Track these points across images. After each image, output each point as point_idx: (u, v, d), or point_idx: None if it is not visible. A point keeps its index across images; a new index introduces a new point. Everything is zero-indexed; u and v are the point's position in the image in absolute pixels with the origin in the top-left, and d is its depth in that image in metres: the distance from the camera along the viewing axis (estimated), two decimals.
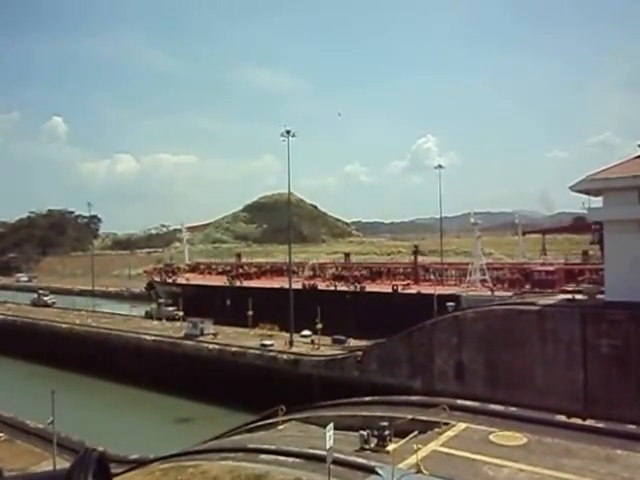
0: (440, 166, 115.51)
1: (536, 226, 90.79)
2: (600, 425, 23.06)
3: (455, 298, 59.10)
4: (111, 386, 53.85)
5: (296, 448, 23.49)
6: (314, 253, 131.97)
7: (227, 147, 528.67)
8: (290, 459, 22.46)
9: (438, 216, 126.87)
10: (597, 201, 48.53)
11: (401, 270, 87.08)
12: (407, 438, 20.09)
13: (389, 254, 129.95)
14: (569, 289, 60.06)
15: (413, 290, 70.57)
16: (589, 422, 23.50)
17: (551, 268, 68.22)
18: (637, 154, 50.62)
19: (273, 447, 24.26)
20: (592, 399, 44.39)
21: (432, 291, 66.53)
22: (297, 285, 65.47)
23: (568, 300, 50.74)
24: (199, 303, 72.79)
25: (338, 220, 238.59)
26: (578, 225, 67.82)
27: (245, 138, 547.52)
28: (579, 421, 23.45)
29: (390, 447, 20.84)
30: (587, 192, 49.08)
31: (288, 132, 61.67)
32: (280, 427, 30.13)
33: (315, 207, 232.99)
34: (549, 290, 59.61)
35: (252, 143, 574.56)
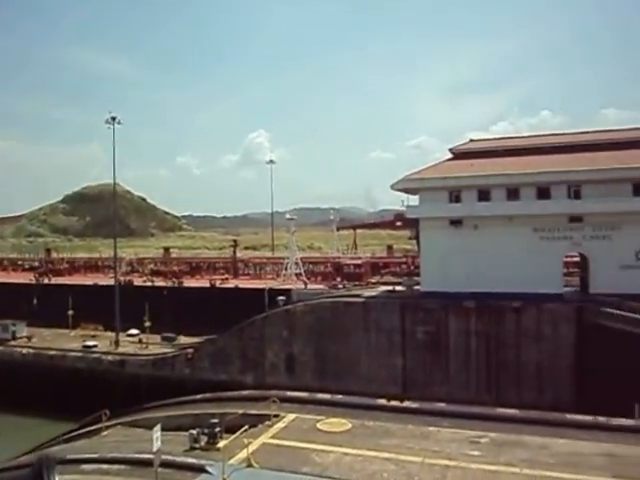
0: (272, 161, 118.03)
1: (358, 222, 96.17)
2: (416, 405, 25.03)
3: (278, 292, 60.34)
4: None
5: (121, 454, 22.29)
6: (142, 248, 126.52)
7: (50, 133, 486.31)
8: (115, 466, 21.25)
9: (270, 211, 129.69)
10: (415, 199, 52.91)
11: (221, 264, 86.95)
12: (238, 433, 20.07)
13: (220, 248, 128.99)
14: (374, 281, 65.32)
15: (231, 285, 71.00)
16: (407, 403, 25.39)
17: (359, 262, 73.29)
18: (448, 157, 56.15)
19: (95, 455, 22.75)
20: (410, 382, 48.43)
21: (249, 285, 68.27)
22: (112, 282, 62.27)
23: (389, 292, 54.77)
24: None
25: (168, 213, 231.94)
26: (383, 222, 73.41)
27: (70, 124, 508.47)
28: (398, 403, 25.23)
29: (221, 444, 20.68)
30: (406, 191, 53.27)
31: (114, 119, 58.30)
32: (104, 433, 28.38)
33: (144, 199, 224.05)
34: (356, 282, 64.33)
35: (78, 130, 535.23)
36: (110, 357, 50.59)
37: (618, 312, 39.45)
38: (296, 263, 69.89)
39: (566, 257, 51.21)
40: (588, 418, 22.66)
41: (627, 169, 45.06)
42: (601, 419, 22.31)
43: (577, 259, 54.00)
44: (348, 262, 73.08)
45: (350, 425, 21.88)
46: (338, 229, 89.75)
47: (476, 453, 18.79)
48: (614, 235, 45.24)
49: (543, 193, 47.11)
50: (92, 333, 58.81)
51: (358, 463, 18.29)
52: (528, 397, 42.14)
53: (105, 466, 21.50)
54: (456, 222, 49.17)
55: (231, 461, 18.73)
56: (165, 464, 18.64)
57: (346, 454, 19.08)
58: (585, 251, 47.08)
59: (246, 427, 20.86)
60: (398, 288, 54.53)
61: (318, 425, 22.02)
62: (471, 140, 57.54)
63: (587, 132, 54.10)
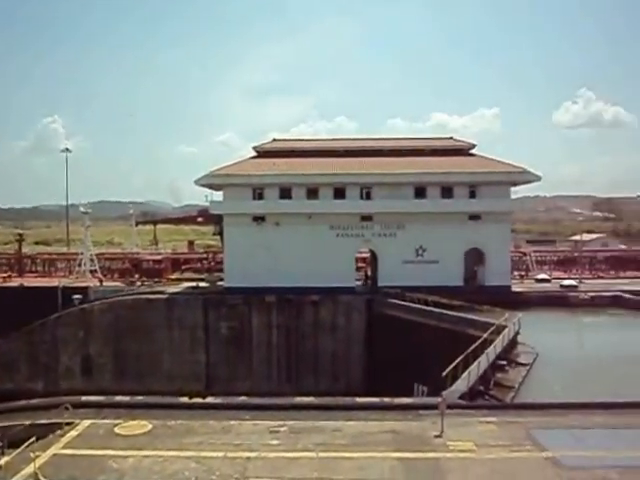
0: (67, 149, 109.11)
1: (163, 216, 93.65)
2: (218, 401, 25.28)
3: (74, 291, 56.14)
4: None
5: None
6: None
7: None
8: None
9: (65, 202, 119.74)
10: (219, 195, 53.14)
11: (4, 261, 78.20)
12: (23, 447, 18.47)
13: (6, 243, 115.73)
14: (173, 277, 64.47)
15: (15, 283, 64.52)
16: (209, 399, 25.54)
17: (159, 258, 71.77)
18: (252, 155, 57.34)
19: None
20: (213, 378, 48.72)
21: (38, 283, 62.64)
22: None
23: (193, 288, 54.38)
24: None
25: None
26: (185, 218, 72.58)
27: None
28: (200, 400, 25.26)
29: (2, 460, 18.87)
30: (210, 186, 53.27)
31: None
32: None
33: None
34: (156, 279, 62.93)
35: None
36: None
37: (400, 302, 44.00)
38: (91, 259, 65.60)
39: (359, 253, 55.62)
40: (375, 400, 24.81)
41: (410, 174, 50.35)
42: (386, 400, 24.57)
43: (366, 255, 58.89)
44: (147, 258, 70.69)
45: (150, 426, 21.38)
46: (137, 224, 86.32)
47: (276, 442, 19.62)
48: (398, 233, 50.33)
49: (339, 193, 50.58)
50: None
51: (158, 464, 18.02)
52: (324, 384, 45.05)
53: None
54: (259, 219, 50.54)
55: (14, 478, 17.22)
56: None
57: (146, 457, 18.65)
58: (374, 247, 51.61)
59: (33, 439, 19.30)
60: (202, 284, 54.38)
61: (116, 429, 21.15)
62: (274, 140, 59.40)
63: (377, 139, 59.30)
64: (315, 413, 22.68)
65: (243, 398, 25.55)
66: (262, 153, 55.51)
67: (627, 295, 48.59)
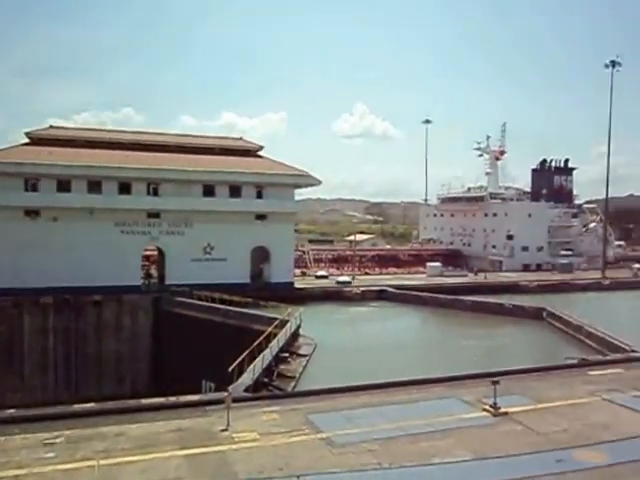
0: None
1: None
2: None
3: None
4: None
5: None
6: None
7: None
8: None
9: None
10: None
11: None
12: None
13: None
14: None
15: None
16: None
17: None
18: (25, 142, 52.08)
19: None
20: None
21: None
22: None
23: None
24: None
25: None
26: None
27: None
28: None
29: None
30: None
31: None
32: None
33: None
34: None
35: None
36: None
37: (187, 300, 43.94)
38: None
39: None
40: (161, 400, 24.50)
41: (199, 172, 50.43)
42: (172, 398, 24.44)
43: (151, 253, 57.40)
44: None
45: None
46: None
47: (51, 455, 18.36)
48: (186, 231, 50.12)
49: (124, 188, 48.60)
50: None
51: None
52: (109, 388, 43.01)
53: None
54: (32, 213, 46.33)
55: None
56: None
57: None
58: (162, 245, 50.68)
59: None
60: None
61: None
62: (51, 127, 54.93)
63: (166, 134, 58.27)
64: (96, 419, 21.74)
65: (11, 411, 23.36)
66: (36, 140, 50.84)
67: (390, 289, 54.94)
